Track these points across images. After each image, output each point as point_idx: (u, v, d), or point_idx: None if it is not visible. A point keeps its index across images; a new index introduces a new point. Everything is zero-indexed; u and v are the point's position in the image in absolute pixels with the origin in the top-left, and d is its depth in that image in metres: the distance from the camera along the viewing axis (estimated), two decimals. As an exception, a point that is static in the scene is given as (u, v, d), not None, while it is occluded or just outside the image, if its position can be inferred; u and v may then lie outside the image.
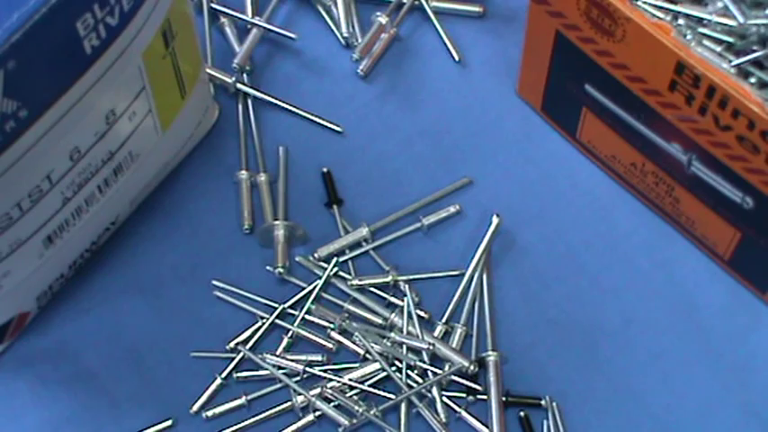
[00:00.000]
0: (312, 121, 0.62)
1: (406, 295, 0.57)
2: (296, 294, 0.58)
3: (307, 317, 0.57)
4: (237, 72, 0.63)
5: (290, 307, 0.57)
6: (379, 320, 0.57)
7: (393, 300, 0.57)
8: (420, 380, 0.55)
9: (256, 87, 0.63)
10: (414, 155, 0.61)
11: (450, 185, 0.60)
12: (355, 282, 0.57)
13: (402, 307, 0.57)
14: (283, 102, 0.62)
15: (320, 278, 0.58)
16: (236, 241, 0.59)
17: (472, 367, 0.55)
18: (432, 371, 0.55)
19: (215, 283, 0.58)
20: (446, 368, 0.55)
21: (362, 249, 0.59)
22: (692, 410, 0.56)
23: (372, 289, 0.58)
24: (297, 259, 0.59)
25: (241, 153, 0.61)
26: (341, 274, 0.58)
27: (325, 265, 0.58)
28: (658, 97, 0.52)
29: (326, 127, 0.62)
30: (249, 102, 0.62)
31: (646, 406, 0.56)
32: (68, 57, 0.45)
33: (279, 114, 0.62)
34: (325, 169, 0.60)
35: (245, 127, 0.62)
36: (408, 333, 0.56)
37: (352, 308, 0.57)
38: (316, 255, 0.58)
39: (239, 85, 0.62)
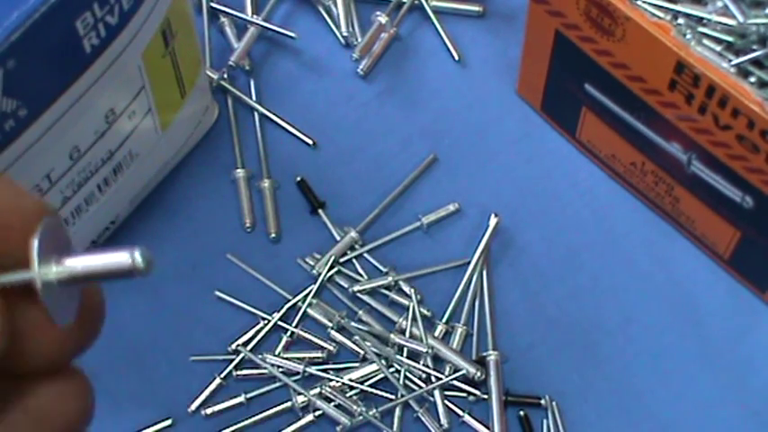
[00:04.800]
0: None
1: (409, 295, 0.57)
2: (297, 294, 0.58)
3: (308, 311, 0.57)
4: (227, 70, 0.63)
5: (291, 308, 0.57)
6: (392, 323, 0.57)
7: (396, 297, 0.57)
8: (421, 382, 0.55)
9: (238, 87, 0.63)
10: (414, 155, 0.61)
11: (418, 168, 0.60)
12: (356, 288, 0.57)
13: (407, 309, 0.57)
14: (262, 106, 0.62)
15: (316, 281, 0.58)
16: (236, 241, 0.59)
17: (479, 374, 0.55)
18: (435, 375, 0.55)
19: (218, 294, 0.58)
20: (447, 369, 0.55)
21: (360, 251, 0.59)
22: (691, 410, 0.56)
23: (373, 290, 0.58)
24: (298, 261, 0.59)
25: (236, 151, 0.61)
26: (349, 274, 0.58)
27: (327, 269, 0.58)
28: (658, 96, 0.52)
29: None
30: (250, 99, 0.63)
31: (645, 405, 0.56)
32: (68, 56, 0.45)
33: (278, 113, 0.62)
34: (299, 178, 0.60)
35: (237, 125, 0.62)
36: (411, 335, 0.56)
37: (366, 318, 0.57)
38: (315, 271, 0.58)
39: (223, 83, 0.62)
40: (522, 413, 0.56)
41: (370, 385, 0.55)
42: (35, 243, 0.30)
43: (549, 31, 0.55)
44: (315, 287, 0.57)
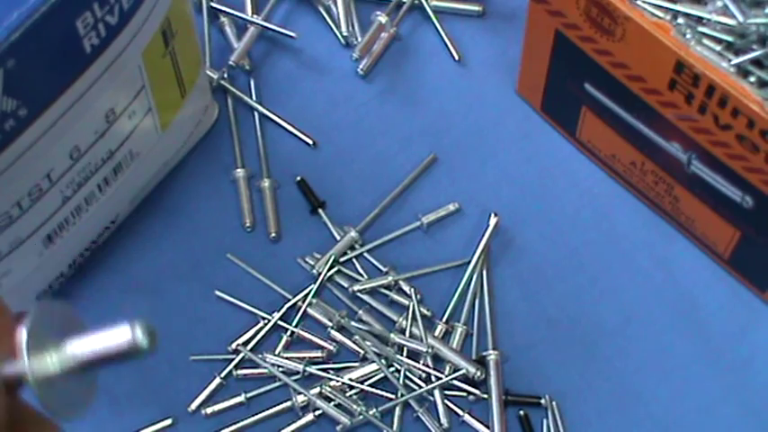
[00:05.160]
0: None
1: (409, 295, 0.57)
2: (297, 294, 0.58)
3: (308, 311, 0.57)
4: (227, 70, 0.63)
5: (291, 308, 0.57)
6: (392, 322, 0.57)
7: (396, 297, 0.57)
8: (421, 382, 0.55)
9: (238, 87, 0.63)
10: (414, 154, 0.61)
11: (418, 168, 0.60)
12: (356, 287, 0.57)
13: (407, 309, 0.57)
14: (262, 105, 0.62)
15: (316, 281, 0.57)
16: (236, 240, 0.59)
17: (479, 373, 0.55)
18: (435, 375, 0.55)
19: (218, 294, 0.58)
20: (447, 369, 0.56)
21: (360, 251, 0.59)
22: (691, 409, 0.56)
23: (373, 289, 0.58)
24: (298, 261, 0.59)
25: (236, 151, 0.61)
26: (349, 274, 0.58)
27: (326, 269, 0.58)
28: (658, 96, 0.52)
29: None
30: (250, 99, 0.63)
31: (645, 405, 0.56)
32: (68, 55, 0.45)
33: (278, 113, 0.62)
34: (299, 178, 0.60)
35: (237, 125, 0.62)
36: (411, 335, 0.56)
37: (366, 317, 0.57)
38: (315, 271, 0.58)
39: (223, 83, 0.62)
40: (522, 413, 0.55)
41: (370, 385, 0.55)
42: (23, 333, 0.27)
43: (549, 31, 0.55)
44: (315, 287, 0.57)
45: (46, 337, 0.27)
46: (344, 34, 0.64)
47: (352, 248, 0.59)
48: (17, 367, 0.27)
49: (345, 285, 0.58)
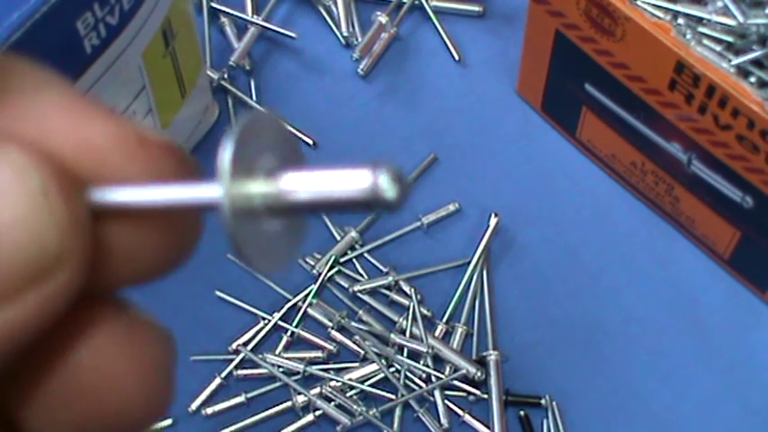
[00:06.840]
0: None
1: (409, 295, 0.57)
2: (297, 294, 0.58)
3: (309, 311, 0.57)
4: (227, 70, 0.63)
5: (291, 308, 0.57)
6: (392, 323, 0.57)
7: (396, 297, 0.57)
8: (422, 382, 0.55)
9: (238, 87, 0.63)
10: (414, 154, 0.61)
11: (418, 168, 0.60)
12: (356, 287, 0.57)
13: (407, 309, 0.57)
14: (262, 106, 0.62)
15: (316, 281, 0.58)
16: (236, 240, 0.59)
17: (479, 373, 0.55)
18: (435, 375, 0.55)
19: (218, 294, 0.58)
20: (447, 369, 0.56)
21: (360, 251, 0.59)
22: (691, 409, 0.56)
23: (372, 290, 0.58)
24: (299, 261, 0.59)
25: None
26: (350, 274, 0.58)
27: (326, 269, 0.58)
28: (658, 96, 0.52)
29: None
30: (251, 99, 0.63)
31: (646, 405, 0.56)
32: (68, 56, 0.45)
33: (278, 113, 0.63)
34: None
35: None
36: (411, 335, 0.56)
37: (366, 317, 0.57)
38: (315, 271, 0.58)
39: (223, 83, 0.62)
40: (522, 413, 0.56)
41: (370, 385, 0.55)
42: (228, 146, 0.19)
43: (549, 31, 0.55)
44: (315, 287, 0.57)
45: (252, 160, 0.20)
46: (345, 34, 0.64)
47: (353, 248, 0.59)
48: (206, 191, 0.20)
49: (346, 286, 0.58)
